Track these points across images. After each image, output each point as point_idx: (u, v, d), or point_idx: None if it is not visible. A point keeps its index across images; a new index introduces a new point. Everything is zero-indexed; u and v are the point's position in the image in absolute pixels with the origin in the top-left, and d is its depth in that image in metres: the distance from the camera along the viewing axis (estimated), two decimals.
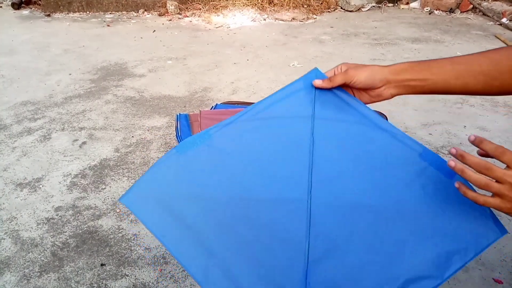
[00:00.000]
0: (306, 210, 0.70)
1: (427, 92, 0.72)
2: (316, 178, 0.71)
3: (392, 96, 0.74)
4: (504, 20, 3.32)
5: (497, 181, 0.56)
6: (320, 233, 0.70)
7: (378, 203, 0.71)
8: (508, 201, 0.56)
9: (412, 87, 0.72)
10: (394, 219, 0.70)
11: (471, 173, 0.57)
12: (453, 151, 0.58)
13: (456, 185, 0.60)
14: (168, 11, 3.81)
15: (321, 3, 3.95)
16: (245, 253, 0.70)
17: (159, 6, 3.89)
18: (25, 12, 3.91)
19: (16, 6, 3.96)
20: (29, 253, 1.09)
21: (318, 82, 0.74)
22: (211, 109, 1.57)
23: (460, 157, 0.58)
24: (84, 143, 1.64)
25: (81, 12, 3.90)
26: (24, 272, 1.03)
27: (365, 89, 0.74)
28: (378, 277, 0.68)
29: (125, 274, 1.02)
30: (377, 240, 0.69)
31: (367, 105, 0.76)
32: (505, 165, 0.56)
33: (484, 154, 0.60)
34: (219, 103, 1.62)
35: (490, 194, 0.57)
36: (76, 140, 1.66)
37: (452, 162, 0.58)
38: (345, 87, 0.75)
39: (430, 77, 0.71)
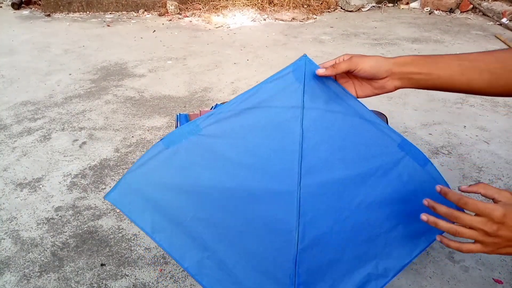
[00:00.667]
0: (296, 200, 0.71)
1: (430, 87, 0.71)
2: (305, 169, 0.72)
3: (396, 88, 0.73)
4: (504, 20, 3.32)
5: (471, 228, 0.59)
6: (308, 222, 0.71)
7: (359, 191, 0.73)
8: (487, 245, 0.59)
9: (416, 80, 0.71)
10: (373, 205, 0.73)
11: (443, 224, 0.60)
12: (425, 203, 0.62)
13: (438, 238, 0.62)
14: (168, 11, 3.81)
15: (321, 3, 3.95)
16: (237, 245, 0.70)
17: (159, 6, 3.89)
18: (25, 12, 3.91)
19: (16, 6, 3.96)
20: (29, 253, 1.09)
21: (321, 71, 0.72)
22: (211, 109, 1.57)
23: (432, 208, 0.61)
24: (84, 143, 1.64)
25: (81, 12, 3.90)
26: (24, 272, 1.03)
27: (368, 80, 0.73)
28: (357, 258, 0.72)
29: (125, 274, 1.02)
30: (357, 226, 0.73)
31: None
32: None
33: (483, 194, 0.63)
34: (219, 103, 1.62)
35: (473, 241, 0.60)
36: (76, 140, 1.66)
37: (425, 216, 0.61)
38: (347, 78, 0.74)
39: (435, 71, 0.69)
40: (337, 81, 0.75)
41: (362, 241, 0.73)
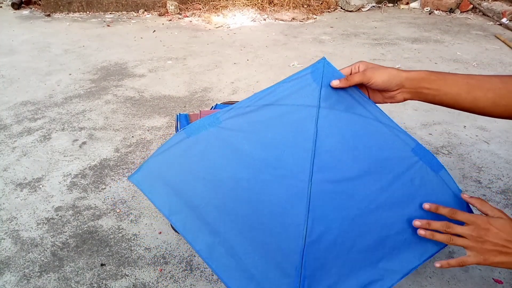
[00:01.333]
0: (306, 195, 0.73)
1: (437, 102, 0.75)
2: (317, 166, 0.74)
3: (404, 100, 0.77)
4: (504, 20, 3.32)
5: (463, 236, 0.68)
6: (317, 217, 0.73)
7: (370, 192, 0.75)
8: (478, 252, 0.67)
9: (425, 95, 0.75)
10: (383, 207, 0.74)
11: (438, 236, 0.70)
12: (417, 223, 0.71)
13: (437, 265, 0.71)
14: (168, 11, 3.81)
15: (321, 3, 3.95)
16: (247, 234, 0.72)
17: (159, 6, 3.89)
18: (25, 12, 3.91)
19: (16, 6, 3.96)
20: (29, 253, 1.09)
21: (335, 82, 0.75)
22: (211, 109, 1.57)
23: (427, 225, 0.71)
24: (84, 143, 1.64)
25: (81, 12, 3.90)
26: (24, 272, 1.03)
27: (380, 90, 0.77)
28: (364, 258, 0.73)
29: (125, 274, 1.02)
30: (366, 226, 0.74)
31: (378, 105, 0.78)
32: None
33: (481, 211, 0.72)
34: (219, 103, 1.62)
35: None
36: (76, 140, 1.66)
37: (422, 231, 0.71)
38: (360, 86, 0.77)
39: (444, 88, 0.73)
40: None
41: (370, 241, 0.73)
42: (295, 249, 0.72)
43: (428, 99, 0.75)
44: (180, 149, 0.74)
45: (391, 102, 0.78)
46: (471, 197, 0.73)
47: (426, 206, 0.72)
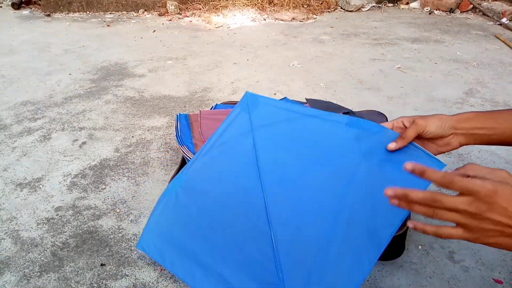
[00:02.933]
0: (264, 205, 0.81)
1: (493, 142, 0.73)
2: (266, 181, 0.83)
3: (461, 145, 0.74)
4: (504, 20, 3.32)
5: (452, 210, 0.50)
6: (279, 219, 0.79)
7: (324, 179, 0.79)
8: (470, 230, 0.50)
9: (479, 135, 0.73)
10: (340, 190, 0.77)
11: (417, 207, 0.51)
12: (390, 192, 0.52)
13: (410, 225, 0.53)
14: (168, 11, 3.81)
15: (321, 3, 3.95)
16: (230, 258, 0.82)
17: (159, 6, 3.89)
18: (25, 12, 3.91)
19: (16, 6, 3.96)
20: (29, 253, 1.09)
21: (392, 146, 0.74)
22: (211, 109, 1.57)
23: (404, 197, 0.52)
24: (84, 143, 1.64)
25: (81, 12, 3.90)
26: (24, 272, 1.03)
27: (432, 139, 0.74)
28: (339, 251, 0.74)
29: (125, 274, 1.02)
30: (331, 213, 0.76)
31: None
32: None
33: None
34: (219, 103, 1.62)
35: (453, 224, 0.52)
36: (76, 140, 1.66)
37: (395, 201, 0.53)
38: (415, 139, 0.75)
39: (497, 125, 0.72)
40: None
41: (341, 226, 0.75)
42: (269, 257, 0.77)
43: (484, 140, 0.73)
44: (164, 212, 0.95)
45: (446, 151, 0.76)
46: (457, 169, 0.55)
47: (408, 166, 0.50)
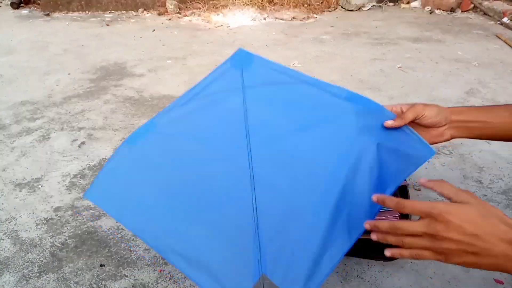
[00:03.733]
0: (249, 169, 0.75)
1: (484, 136, 0.75)
2: (254, 141, 0.77)
3: (452, 137, 0.76)
4: (505, 19, 3.32)
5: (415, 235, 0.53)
6: (264, 185, 0.74)
7: (313, 147, 0.76)
8: (436, 251, 0.52)
9: (471, 128, 0.75)
10: (333, 163, 0.74)
11: (390, 238, 0.55)
12: (367, 226, 0.58)
13: (388, 253, 0.56)
14: (168, 10, 3.80)
15: (322, 3, 3.94)
16: (204, 227, 0.72)
17: (159, 6, 3.88)
18: (24, 11, 3.90)
19: (15, 6, 3.96)
20: (28, 253, 1.09)
21: (389, 123, 0.74)
22: None
23: (375, 228, 0.57)
24: (83, 143, 1.63)
25: (80, 12, 3.89)
26: (23, 272, 1.03)
27: (427, 128, 0.76)
28: (319, 219, 0.70)
29: (124, 274, 1.01)
30: (317, 183, 0.73)
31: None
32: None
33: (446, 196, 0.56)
34: None
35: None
36: (75, 140, 1.66)
37: (374, 236, 0.58)
38: (410, 124, 0.75)
39: (489, 120, 0.73)
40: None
41: (326, 198, 0.72)
42: (248, 219, 0.71)
43: (476, 134, 0.75)
44: (126, 159, 0.78)
45: (438, 142, 0.77)
46: (428, 180, 0.57)
47: (374, 199, 0.58)
